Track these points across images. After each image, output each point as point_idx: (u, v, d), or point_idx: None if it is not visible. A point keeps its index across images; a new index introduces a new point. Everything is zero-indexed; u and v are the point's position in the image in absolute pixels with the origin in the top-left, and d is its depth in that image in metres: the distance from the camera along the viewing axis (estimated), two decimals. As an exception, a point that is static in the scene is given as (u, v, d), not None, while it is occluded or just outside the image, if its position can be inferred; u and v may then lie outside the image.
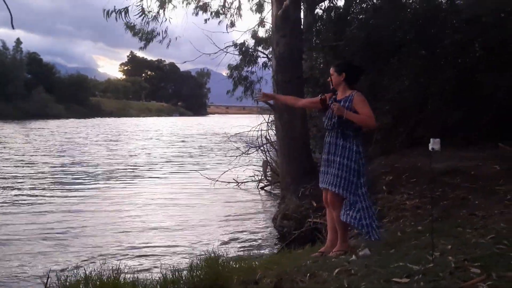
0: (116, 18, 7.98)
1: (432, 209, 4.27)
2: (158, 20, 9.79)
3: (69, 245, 6.49)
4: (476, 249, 2.79)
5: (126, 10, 8.06)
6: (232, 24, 12.48)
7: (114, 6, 8.12)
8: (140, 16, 9.10)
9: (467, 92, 7.70)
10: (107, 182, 12.15)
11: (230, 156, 12.65)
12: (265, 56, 11.48)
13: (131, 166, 15.33)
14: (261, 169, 11.67)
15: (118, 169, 14.48)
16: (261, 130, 11.57)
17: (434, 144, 2.69)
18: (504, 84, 7.07)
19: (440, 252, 2.83)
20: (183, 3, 11.21)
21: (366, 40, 7.94)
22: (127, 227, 7.57)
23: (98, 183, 11.90)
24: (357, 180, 3.38)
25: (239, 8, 12.46)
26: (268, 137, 11.55)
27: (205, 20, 12.31)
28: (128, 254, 6.11)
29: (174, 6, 10.56)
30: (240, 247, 6.48)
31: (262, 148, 11.65)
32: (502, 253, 2.63)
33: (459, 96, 7.75)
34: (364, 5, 9.41)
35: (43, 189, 10.82)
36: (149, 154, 19.61)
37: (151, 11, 9.58)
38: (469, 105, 7.60)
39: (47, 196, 9.95)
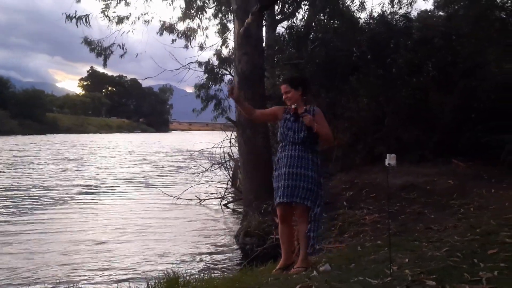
0: (76, 24, 7.74)
1: (389, 224, 4.37)
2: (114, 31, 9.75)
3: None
4: (431, 262, 2.87)
5: (86, 17, 7.83)
6: (201, 47, 12.66)
7: (76, 11, 7.87)
8: (105, 17, 8.97)
9: (421, 110, 8.06)
10: (60, 207, 10.82)
11: (193, 173, 12.47)
12: (228, 73, 11.62)
13: (87, 186, 14.44)
14: (224, 186, 11.58)
15: (72, 191, 13.30)
16: (224, 146, 11.54)
17: (390, 159, 2.77)
18: (450, 102, 7.47)
19: (397, 265, 2.89)
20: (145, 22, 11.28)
21: (326, 59, 8.17)
22: (82, 249, 7.22)
23: (50, 208, 10.52)
24: (321, 192, 3.43)
25: (195, 30, 12.65)
26: (231, 154, 11.52)
27: (172, 41, 12.41)
28: (83, 278, 5.82)
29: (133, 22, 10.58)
30: (201, 266, 6.34)
31: (224, 165, 11.60)
32: (456, 266, 2.72)
33: (414, 114, 8.08)
34: (323, 25, 9.73)
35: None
36: (107, 173, 18.61)
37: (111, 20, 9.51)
38: (423, 122, 7.94)
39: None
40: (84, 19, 7.67)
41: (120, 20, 10.40)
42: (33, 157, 24.70)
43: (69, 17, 7.67)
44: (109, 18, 9.20)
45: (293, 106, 3.45)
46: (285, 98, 3.54)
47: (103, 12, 8.89)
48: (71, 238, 7.89)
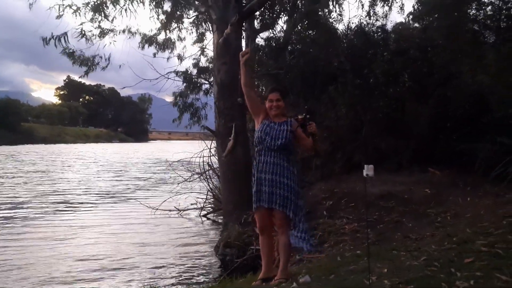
0: (55, 45, 7.62)
1: (368, 234, 4.39)
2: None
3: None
4: (409, 272, 2.89)
5: (65, 35, 7.67)
6: (179, 57, 12.61)
7: (52, 33, 7.70)
8: (81, 37, 8.83)
9: (398, 119, 8.20)
10: (31, 223, 9.91)
11: (171, 184, 12.31)
12: (207, 83, 11.60)
13: (61, 201, 13.43)
14: (204, 197, 11.47)
15: (45, 206, 12.28)
16: (203, 156, 11.46)
17: (368, 170, 2.79)
18: (425, 112, 7.63)
19: (376, 276, 2.90)
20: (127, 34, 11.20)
21: (305, 69, 8.24)
22: (58, 263, 7.02)
23: (18, 228, 9.43)
24: (300, 202, 3.41)
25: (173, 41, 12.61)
26: (211, 164, 11.44)
27: (154, 54, 12.32)
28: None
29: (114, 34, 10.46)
30: (180, 278, 6.23)
31: (204, 175, 11.50)
32: (433, 275, 2.74)
33: (391, 123, 8.21)
34: (302, 35, 9.82)
35: None
36: (84, 186, 17.61)
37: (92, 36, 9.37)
38: (400, 131, 8.07)
39: None
40: (62, 38, 7.53)
41: (102, 34, 10.25)
42: (1, 170, 23.56)
43: (45, 41, 7.53)
44: (86, 37, 9.07)
45: (300, 116, 3.45)
46: (274, 106, 3.50)
47: (80, 32, 8.70)
48: (39, 251, 7.64)
